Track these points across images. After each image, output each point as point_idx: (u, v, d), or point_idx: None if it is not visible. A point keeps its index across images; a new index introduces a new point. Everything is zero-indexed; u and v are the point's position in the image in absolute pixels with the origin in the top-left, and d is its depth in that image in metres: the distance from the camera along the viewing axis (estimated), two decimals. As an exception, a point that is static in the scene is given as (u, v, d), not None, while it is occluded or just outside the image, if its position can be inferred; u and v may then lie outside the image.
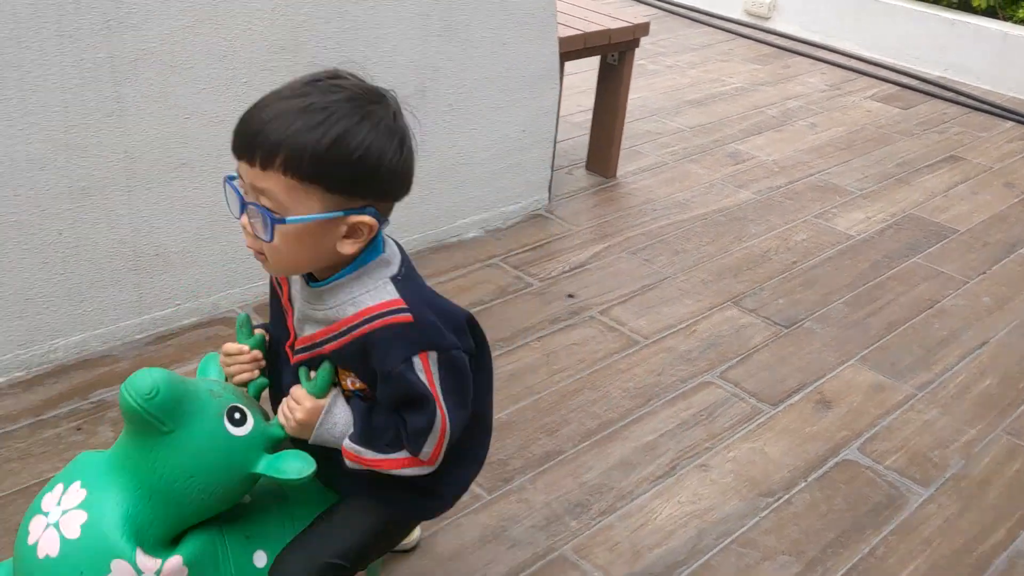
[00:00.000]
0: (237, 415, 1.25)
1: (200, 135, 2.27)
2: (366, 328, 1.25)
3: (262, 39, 2.30)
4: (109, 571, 1.22)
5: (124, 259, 2.27)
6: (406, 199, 1.30)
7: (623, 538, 1.93)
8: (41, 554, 1.23)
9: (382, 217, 1.26)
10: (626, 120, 3.47)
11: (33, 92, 2.00)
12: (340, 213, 1.21)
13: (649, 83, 4.40)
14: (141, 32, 2.10)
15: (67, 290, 2.21)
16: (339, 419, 1.30)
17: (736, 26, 5.36)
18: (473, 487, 2.01)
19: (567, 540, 1.91)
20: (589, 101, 3.52)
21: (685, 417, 2.27)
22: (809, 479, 2.12)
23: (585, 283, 2.78)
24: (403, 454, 1.29)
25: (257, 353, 1.36)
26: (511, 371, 2.39)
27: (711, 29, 5.34)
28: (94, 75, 2.06)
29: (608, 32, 3.15)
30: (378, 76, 1.23)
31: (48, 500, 1.27)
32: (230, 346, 1.36)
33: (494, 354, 2.44)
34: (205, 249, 2.41)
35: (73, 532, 1.22)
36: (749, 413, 2.31)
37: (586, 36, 3.09)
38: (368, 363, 1.27)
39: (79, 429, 2.08)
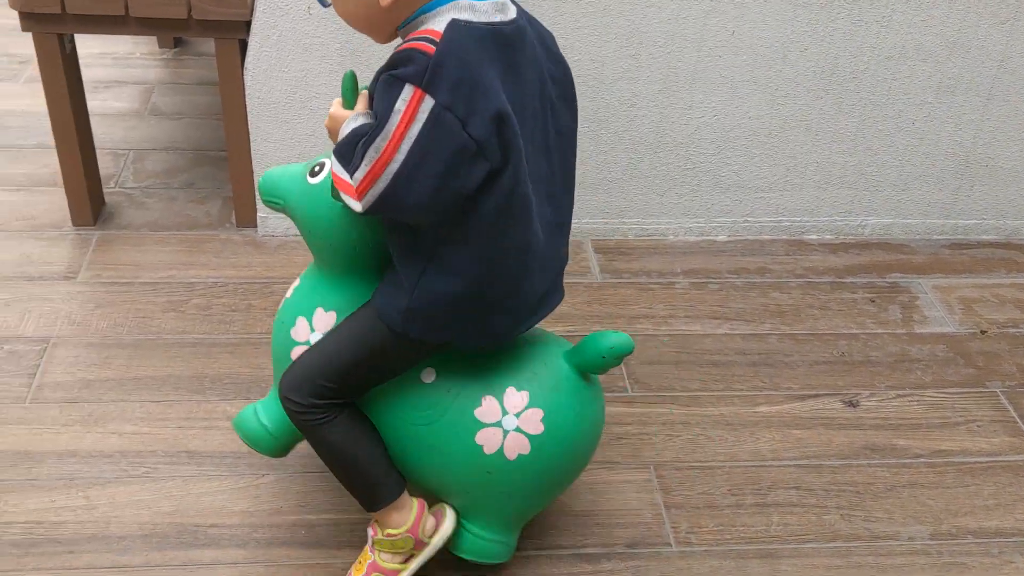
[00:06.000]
0: (316, 168, 1.39)
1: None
2: (397, 50, 1.21)
3: None
4: (294, 324, 1.49)
5: (955, 161, 2.40)
6: None
7: None
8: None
9: None
10: None
11: None
12: None
13: None
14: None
15: (896, 177, 2.41)
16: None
17: None
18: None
19: None
20: None
21: None
22: None
23: None
24: (345, 174, 1.22)
25: None
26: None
27: None
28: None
29: None
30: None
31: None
32: (335, 108, 1.35)
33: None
34: (1033, 172, 2.42)
35: (288, 293, 1.54)
36: None
37: None
38: None
39: (872, 302, 2.30)
